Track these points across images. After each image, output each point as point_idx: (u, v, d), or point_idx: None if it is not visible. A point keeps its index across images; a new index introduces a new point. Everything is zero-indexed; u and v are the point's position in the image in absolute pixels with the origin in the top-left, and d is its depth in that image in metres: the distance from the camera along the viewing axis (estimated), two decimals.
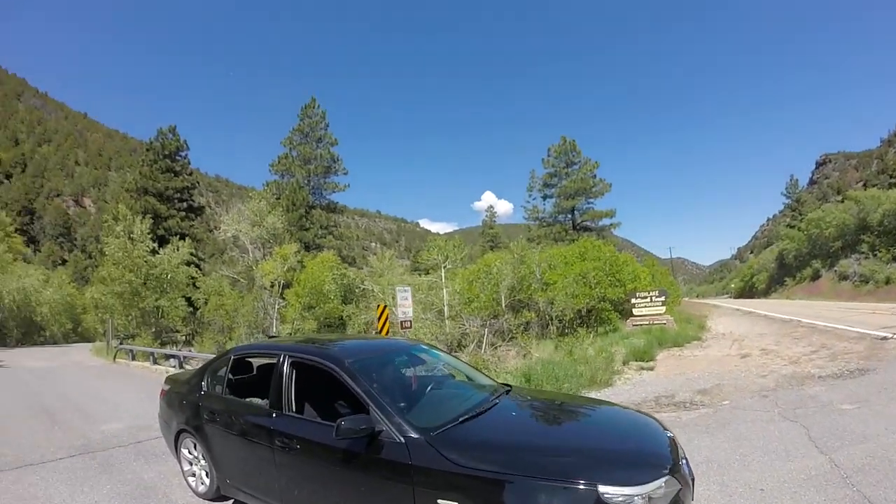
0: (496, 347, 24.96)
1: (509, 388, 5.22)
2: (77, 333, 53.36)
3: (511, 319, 25.71)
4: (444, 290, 25.32)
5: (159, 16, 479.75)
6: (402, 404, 4.31)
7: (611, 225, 51.18)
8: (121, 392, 15.35)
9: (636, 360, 14.46)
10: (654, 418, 4.60)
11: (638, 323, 23.49)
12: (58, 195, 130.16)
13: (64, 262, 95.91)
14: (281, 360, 4.94)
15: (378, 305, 15.03)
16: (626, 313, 25.89)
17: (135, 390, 15.58)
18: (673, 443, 4.01)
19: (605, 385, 11.16)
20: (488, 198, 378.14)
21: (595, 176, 51.25)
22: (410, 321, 14.79)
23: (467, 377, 5.70)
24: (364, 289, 28.67)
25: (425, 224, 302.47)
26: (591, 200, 51.57)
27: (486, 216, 75.37)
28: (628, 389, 10.68)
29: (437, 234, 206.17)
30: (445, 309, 24.99)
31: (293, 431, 4.49)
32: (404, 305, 14.74)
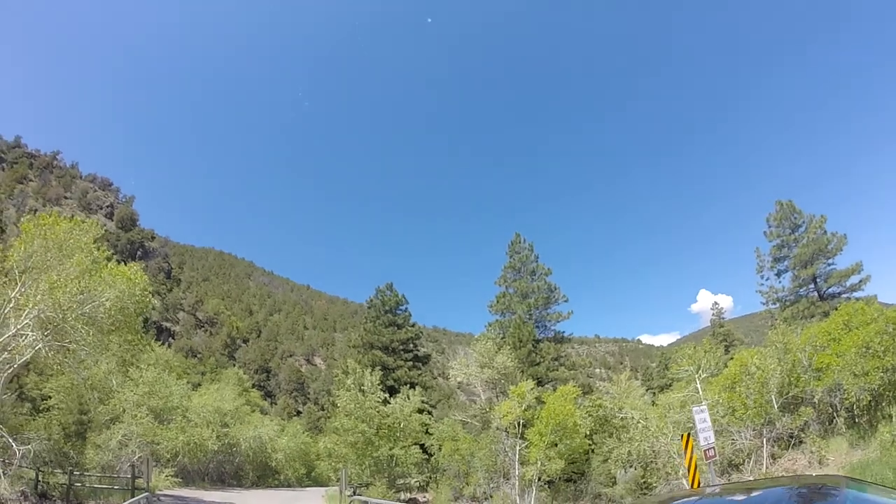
0: (776, 458, 22.05)
1: None
2: (310, 478, 54.60)
3: (789, 422, 22.26)
4: (704, 404, 22.13)
5: (359, 202, 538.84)
6: None
7: (860, 282, 43.75)
8: None
9: None
10: None
11: None
12: (290, 355, 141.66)
13: (298, 413, 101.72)
14: None
15: (682, 435, 12.39)
16: None
17: None
18: None
19: None
20: (705, 297, 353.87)
21: (825, 232, 45.00)
22: (714, 448, 11.83)
23: None
24: (623, 417, 25.67)
25: (646, 339, 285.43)
26: (831, 261, 44.87)
27: (713, 314, 68.26)
28: None
29: (661, 346, 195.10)
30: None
31: None
32: (704, 429, 11.86)
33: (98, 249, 22.92)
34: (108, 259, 23.66)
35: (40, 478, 21.35)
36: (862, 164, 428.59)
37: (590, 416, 28.07)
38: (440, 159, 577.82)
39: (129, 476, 24.66)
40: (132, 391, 33.27)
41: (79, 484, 23.38)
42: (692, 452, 11.59)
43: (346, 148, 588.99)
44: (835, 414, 22.71)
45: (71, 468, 23.52)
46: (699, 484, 11.64)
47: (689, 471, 11.51)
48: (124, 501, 18.76)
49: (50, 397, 30.74)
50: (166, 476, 30.71)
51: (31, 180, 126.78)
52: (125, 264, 24.62)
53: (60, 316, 19.83)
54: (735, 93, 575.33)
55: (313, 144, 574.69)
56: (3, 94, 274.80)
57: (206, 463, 40.23)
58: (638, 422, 23.86)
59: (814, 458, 18.64)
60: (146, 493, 22.66)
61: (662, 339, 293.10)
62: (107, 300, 21.15)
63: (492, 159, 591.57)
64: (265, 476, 47.57)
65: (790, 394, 22.98)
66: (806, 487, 3.11)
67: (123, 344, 23.89)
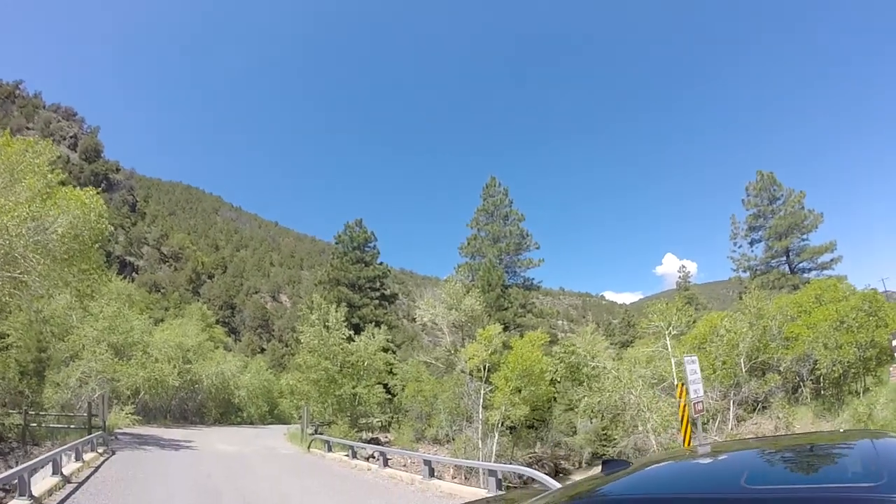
0: (741, 421, 22.48)
1: None
2: (273, 416, 54.35)
3: (755, 387, 22.89)
4: (673, 361, 22.13)
5: (332, 140, 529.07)
6: None
7: (831, 261, 44.71)
8: (314, 497, 13.24)
9: None
10: None
11: None
12: (256, 292, 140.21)
13: (262, 350, 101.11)
14: None
15: (678, 384, 12.10)
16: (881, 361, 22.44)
17: (329, 497, 13.34)
18: None
19: None
20: (670, 260, 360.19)
21: (803, 208, 45.45)
22: (702, 402, 11.46)
23: None
24: (595, 367, 25.56)
25: (610, 296, 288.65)
26: (805, 237, 45.57)
27: (680, 277, 68.48)
28: None
29: (624, 304, 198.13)
30: (676, 381, 22.39)
31: None
32: (694, 381, 11.41)
33: (52, 172, 21.62)
34: (62, 183, 22.41)
35: None
36: (842, 148, 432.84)
37: (562, 362, 27.97)
38: (415, 93, 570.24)
39: (87, 415, 24.25)
40: (91, 326, 32.28)
41: (35, 424, 22.84)
42: (685, 404, 11.22)
43: (317, 80, 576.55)
44: (801, 383, 23.31)
45: (27, 408, 22.91)
46: (690, 439, 11.27)
47: (682, 424, 11.16)
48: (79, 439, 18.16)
49: (8, 335, 29.81)
50: (126, 414, 30.14)
51: None
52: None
53: (8, 243, 18.74)
54: (722, 60, 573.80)
55: (284, 76, 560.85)
56: None
57: (167, 400, 39.76)
58: (610, 371, 23.76)
59: (780, 424, 18.81)
60: (101, 432, 22.15)
61: (626, 298, 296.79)
62: (59, 227, 19.92)
63: (471, 99, 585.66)
64: (228, 413, 47.27)
65: (759, 359, 23.42)
66: (875, 439, 2.63)
67: (79, 275, 22.71)
